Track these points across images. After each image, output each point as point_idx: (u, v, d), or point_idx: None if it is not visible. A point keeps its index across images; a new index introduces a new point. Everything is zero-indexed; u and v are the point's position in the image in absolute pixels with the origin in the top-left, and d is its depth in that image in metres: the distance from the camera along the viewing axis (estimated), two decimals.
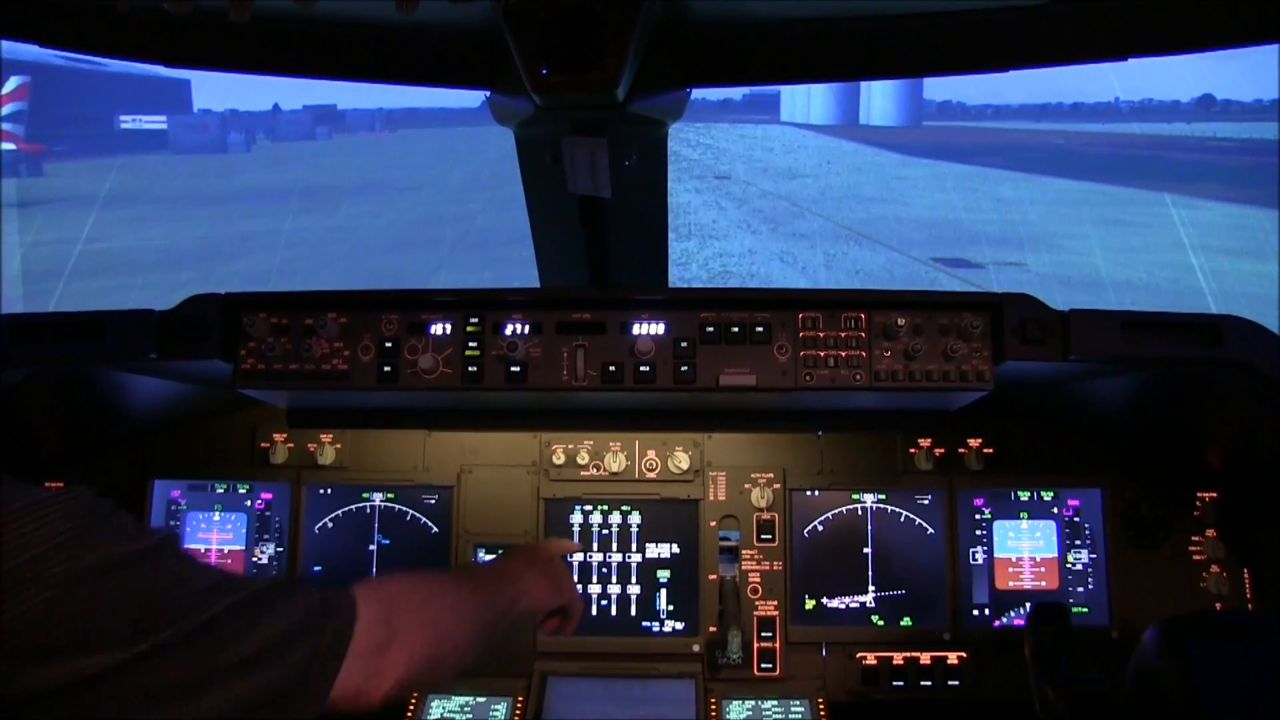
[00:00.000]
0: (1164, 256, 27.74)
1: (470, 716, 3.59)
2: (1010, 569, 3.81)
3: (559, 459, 3.87)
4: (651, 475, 3.87)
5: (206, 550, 3.89)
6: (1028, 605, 3.70)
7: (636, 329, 3.07)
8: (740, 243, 29.58)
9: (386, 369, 3.06)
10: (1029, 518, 3.84)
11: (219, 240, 30.89)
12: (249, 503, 3.92)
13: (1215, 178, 36.49)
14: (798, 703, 3.62)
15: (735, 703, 3.62)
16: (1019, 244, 29.19)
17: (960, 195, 35.68)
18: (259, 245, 30.21)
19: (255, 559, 3.88)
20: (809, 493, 3.86)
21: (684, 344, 3.05)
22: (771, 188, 37.82)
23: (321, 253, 29.73)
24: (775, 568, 3.80)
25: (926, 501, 3.84)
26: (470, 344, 3.07)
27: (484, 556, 3.83)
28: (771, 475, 3.86)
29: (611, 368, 3.05)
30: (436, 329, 3.08)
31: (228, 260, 27.78)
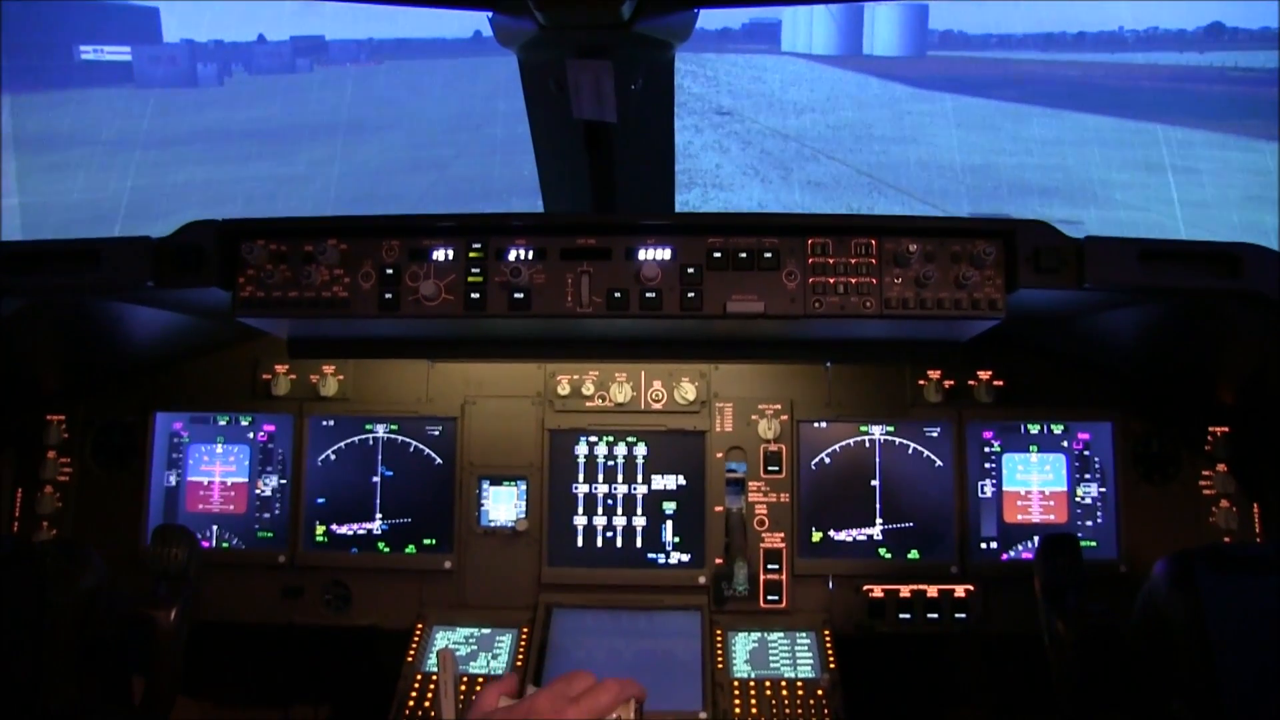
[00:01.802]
0: (1245, 216, 24.04)
1: (475, 648, 3.59)
2: (1019, 502, 3.79)
3: (564, 390, 3.84)
4: (657, 406, 3.84)
5: (210, 483, 3.87)
6: (1036, 539, 3.70)
7: (642, 255, 3.01)
8: (748, 193, 26.91)
9: (388, 296, 3.01)
10: (1038, 451, 3.81)
11: (149, 194, 26.96)
12: (251, 435, 3.90)
13: (1254, 113, 32.42)
14: (804, 635, 3.62)
15: (741, 635, 3.62)
16: (1069, 196, 26.08)
17: (985, 134, 32.27)
18: (194, 200, 26.20)
19: (258, 491, 3.87)
20: (817, 424, 3.83)
21: (691, 270, 2.99)
22: (778, 124, 34.24)
23: (266, 209, 25.86)
24: (782, 500, 3.78)
25: (935, 434, 3.81)
26: (473, 270, 3.01)
27: (489, 488, 3.81)
28: (779, 407, 3.82)
29: (617, 294, 2.99)
30: (438, 255, 3.03)
31: (151, 220, 23.57)
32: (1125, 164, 28.45)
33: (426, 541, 3.82)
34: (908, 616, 3.71)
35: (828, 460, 3.81)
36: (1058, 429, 3.81)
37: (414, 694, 3.40)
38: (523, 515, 3.80)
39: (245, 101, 38.80)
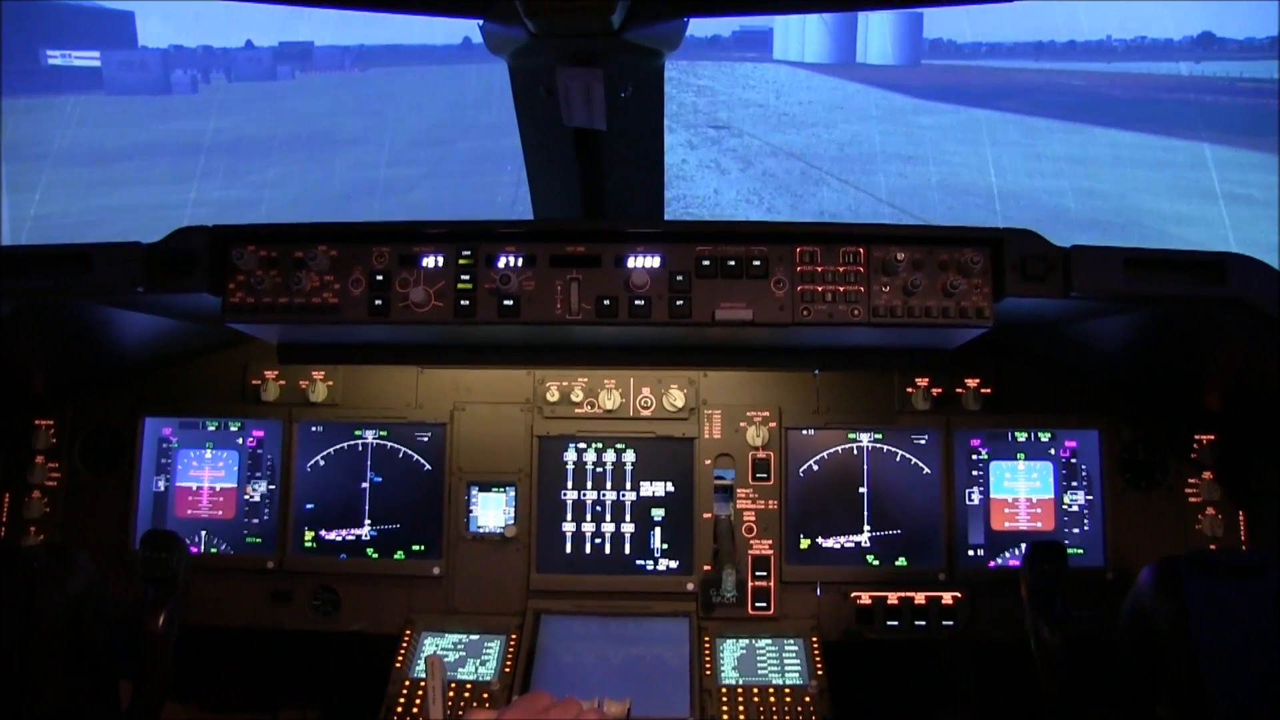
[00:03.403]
0: None
1: (464, 654, 3.59)
2: (1006, 510, 3.80)
3: (553, 396, 3.85)
4: (646, 413, 3.85)
5: (198, 488, 3.87)
6: (1023, 546, 3.71)
7: (631, 262, 3.01)
8: None
9: (377, 302, 3.01)
10: (1026, 459, 3.82)
11: (64, 220, 23.71)
12: (240, 440, 3.90)
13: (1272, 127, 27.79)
14: (792, 642, 3.63)
15: (729, 641, 3.63)
16: (1122, 232, 22.42)
17: (1005, 151, 28.90)
18: (113, 231, 17.56)
19: (247, 496, 3.87)
20: (805, 431, 3.84)
21: (680, 278, 3.00)
22: (778, 141, 30.85)
23: None
24: (770, 507, 3.79)
25: (923, 441, 3.82)
26: (462, 277, 3.01)
27: (477, 494, 3.82)
28: (767, 414, 3.83)
29: (606, 301, 3.00)
30: (428, 262, 3.03)
31: None
32: (1172, 189, 24.93)
33: (415, 547, 3.83)
34: (895, 623, 3.72)
35: (816, 467, 3.83)
36: (1045, 437, 3.83)
37: (402, 699, 3.40)
38: (511, 521, 3.80)
39: (213, 111, 35.73)
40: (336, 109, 36.50)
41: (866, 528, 3.80)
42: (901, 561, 3.77)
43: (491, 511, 3.83)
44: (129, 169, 27.68)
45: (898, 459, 3.82)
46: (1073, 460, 3.82)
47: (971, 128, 31.83)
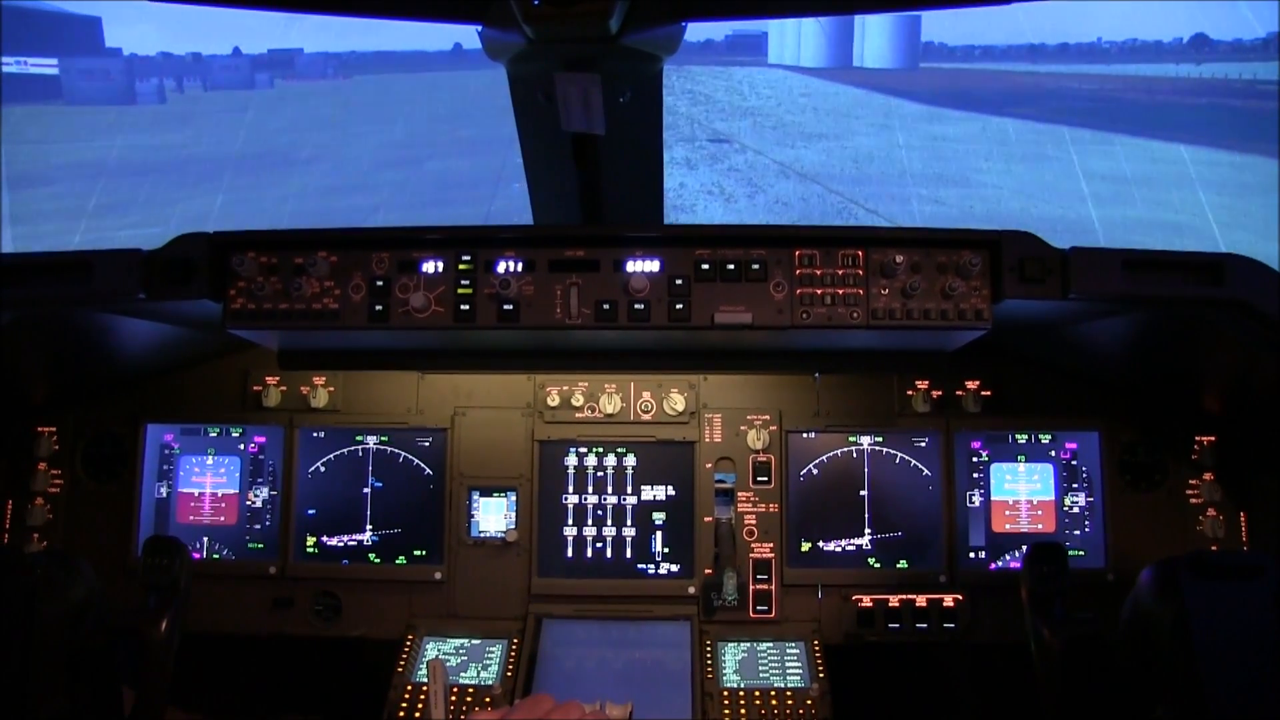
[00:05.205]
0: None
1: (465, 658, 3.60)
2: (1007, 512, 3.81)
3: (554, 401, 3.85)
4: (647, 417, 3.85)
5: (200, 494, 3.88)
6: (1024, 548, 3.71)
7: (630, 266, 3.01)
8: None
9: (378, 308, 3.01)
10: (1026, 460, 3.83)
11: None
12: (242, 446, 3.90)
13: None
14: (793, 645, 3.63)
15: (731, 645, 3.63)
16: None
17: (1048, 169, 25.80)
18: None
19: (249, 502, 3.87)
20: (805, 435, 3.84)
21: (679, 282, 3.00)
22: (787, 157, 28.48)
23: None
24: (771, 510, 3.79)
25: (923, 444, 3.83)
26: (462, 282, 3.02)
27: (478, 499, 3.82)
28: (768, 417, 3.84)
29: (605, 306, 3.00)
30: (428, 267, 3.03)
31: None
32: (1256, 219, 20.91)
33: (417, 552, 3.83)
34: (896, 626, 3.72)
35: (816, 470, 3.83)
36: (1045, 438, 3.83)
37: (404, 704, 3.41)
38: (513, 526, 3.81)
39: (172, 124, 32.96)
40: (303, 123, 33.71)
41: (867, 530, 3.80)
42: (902, 564, 3.78)
43: (493, 516, 3.83)
44: (28, 199, 24.61)
45: (898, 461, 3.83)
46: (1073, 462, 3.83)
47: (995, 139, 29.38)
